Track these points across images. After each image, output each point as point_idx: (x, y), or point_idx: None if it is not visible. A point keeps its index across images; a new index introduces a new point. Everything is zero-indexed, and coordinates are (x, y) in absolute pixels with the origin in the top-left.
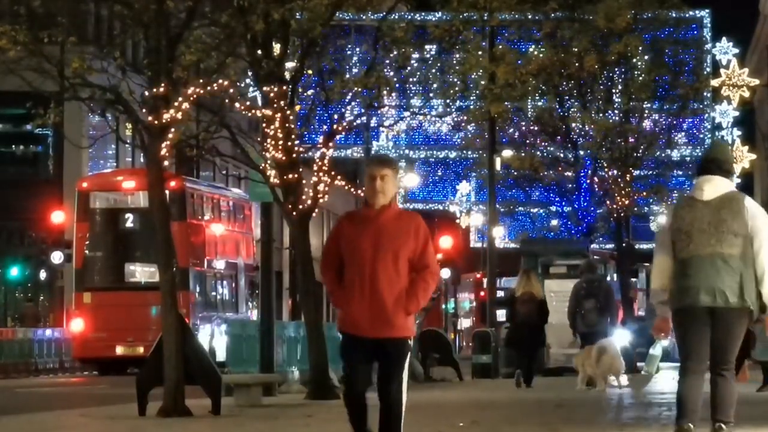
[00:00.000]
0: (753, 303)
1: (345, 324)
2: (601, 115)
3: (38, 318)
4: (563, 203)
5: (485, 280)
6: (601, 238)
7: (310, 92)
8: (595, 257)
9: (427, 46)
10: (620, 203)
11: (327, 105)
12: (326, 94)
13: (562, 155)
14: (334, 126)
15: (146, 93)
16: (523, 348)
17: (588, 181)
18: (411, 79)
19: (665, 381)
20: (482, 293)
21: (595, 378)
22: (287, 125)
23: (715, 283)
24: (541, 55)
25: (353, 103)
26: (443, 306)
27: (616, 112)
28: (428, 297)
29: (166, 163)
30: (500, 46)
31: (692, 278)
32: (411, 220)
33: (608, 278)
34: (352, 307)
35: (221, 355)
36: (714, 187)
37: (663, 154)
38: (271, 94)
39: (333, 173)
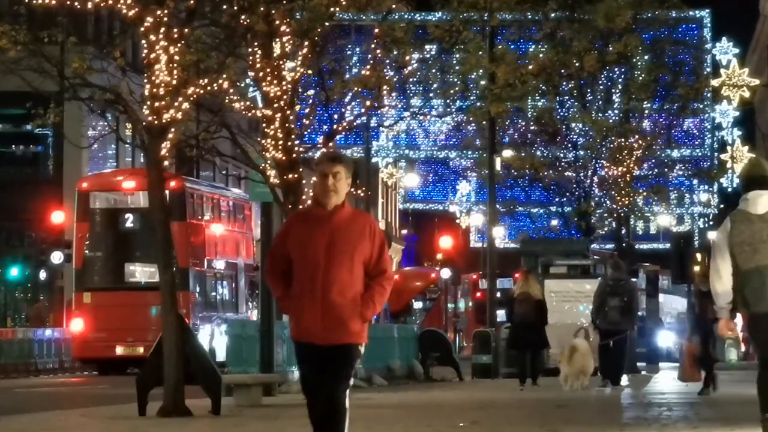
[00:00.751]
0: None
1: (297, 332)
2: (600, 115)
3: (47, 317)
4: (563, 203)
5: (481, 281)
6: (601, 238)
7: (310, 92)
8: (594, 257)
9: (427, 46)
10: (620, 203)
11: (327, 105)
12: (326, 94)
13: (562, 155)
14: (334, 126)
15: (146, 92)
16: (522, 348)
17: (588, 181)
18: (411, 79)
19: (665, 381)
20: (478, 294)
21: (568, 377)
22: (287, 125)
23: None
24: (541, 55)
25: (353, 103)
26: (450, 305)
27: (616, 112)
28: (384, 302)
29: (166, 163)
30: (500, 46)
31: (761, 286)
32: (365, 221)
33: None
34: (304, 314)
35: (221, 355)
36: (766, 201)
37: (663, 154)
38: (271, 94)
39: None
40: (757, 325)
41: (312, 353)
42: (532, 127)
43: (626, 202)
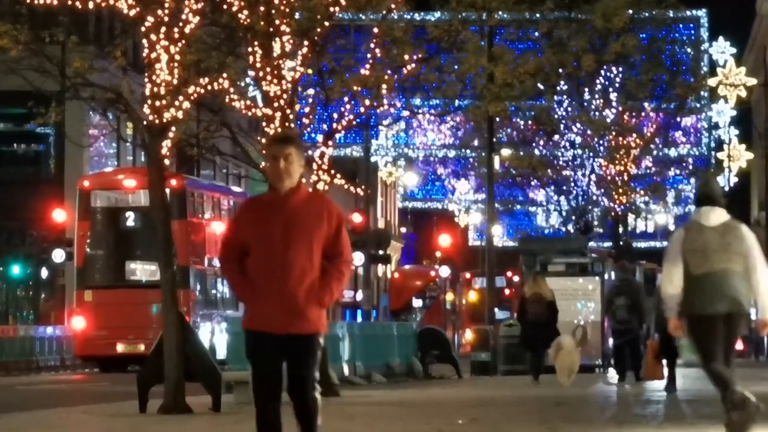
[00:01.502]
0: (748, 309)
1: (252, 320)
2: (598, 114)
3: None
4: (562, 202)
5: (474, 280)
6: (598, 237)
7: (310, 92)
8: (592, 255)
9: (426, 46)
10: (618, 202)
11: (327, 104)
12: (326, 93)
13: (560, 154)
14: (334, 125)
15: (147, 92)
16: (535, 347)
17: (586, 179)
18: (410, 79)
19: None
20: (471, 292)
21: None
22: (287, 124)
23: (729, 294)
24: (539, 55)
25: (353, 103)
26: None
27: (614, 111)
28: (343, 287)
29: (166, 161)
30: (498, 46)
31: (710, 290)
32: (322, 203)
33: (606, 276)
34: (261, 301)
35: (221, 353)
36: (717, 215)
37: (660, 153)
38: (271, 94)
39: (333, 172)
40: (702, 326)
41: (269, 343)
42: (530, 126)
43: (624, 201)
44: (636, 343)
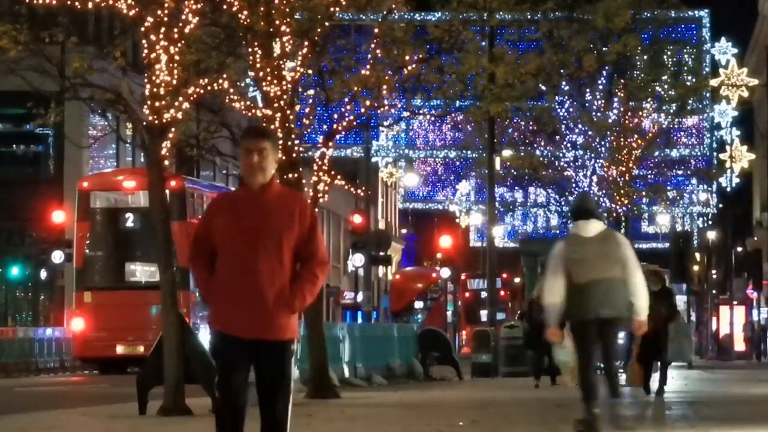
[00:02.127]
0: (629, 313)
1: (217, 320)
2: (600, 114)
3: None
4: (563, 203)
5: (470, 281)
6: None
7: (310, 92)
8: None
9: (426, 46)
10: (619, 203)
11: (327, 105)
12: (326, 94)
13: (561, 155)
14: (335, 126)
15: (146, 92)
16: (540, 349)
17: (587, 180)
18: (411, 79)
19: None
20: (467, 293)
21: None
22: (287, 125)
23: (610, 300)
24: (540, 55)
25: (353, 104)
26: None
27: (615, 112)
28: (317, 291)
29: (166, 162)
30: (499, 46)
31: (592, 297)
32: (295, 201)
33: None
34: (227, 303)
35: None
36: (593, 227)
37: (662, 154)
38: (271, 94)
39: (333, 173)
40: (584, 331)
41: (236, 347)
42: (531, 127)
43: (625, 202)
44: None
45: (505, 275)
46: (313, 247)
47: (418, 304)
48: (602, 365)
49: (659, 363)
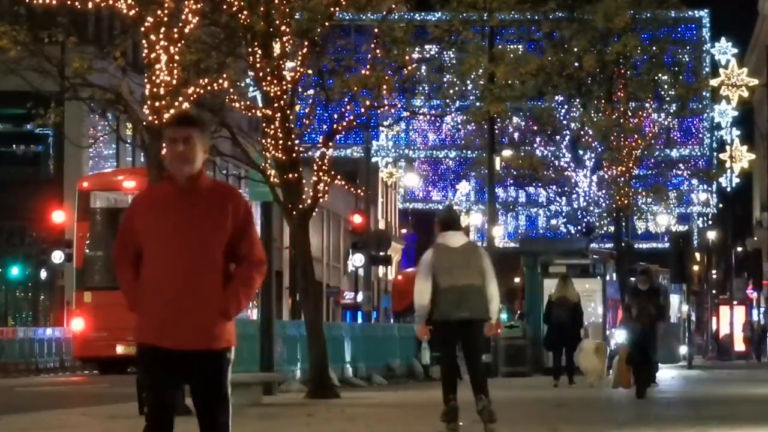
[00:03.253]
0: (487, 316)
1: (143, 332)
2: (600, 114)
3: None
4: (563, 203)
5: None
6: (600, 238)
7: (310, 92)
8: (594, 257)
9: (427, 46)
10: (619, 203)
11: (327, 105)
12: (326, 94)
13: (561, 155)
14: (334, 126)
15: (146, 92)
16: (559, 349)
17: (587, 180)
18: (411, 79)
19: (664, 381)
20: None
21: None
22: (287, 125)
23: (470, 303)
24: (540, 55)
25: (353, 103)
26: None
27: (615, 112)
28: (253, 294)
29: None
30: (500, 46)
31: (454, 300)
32: (227, 195)
33: (607, 278)
34: (152, 311)
35: None
36: (458, 239)
37: (662, 154)
38: (271, 94)
39: (333, 173)
40: (446, 330)
41: (162, 359)
42: (531, 127)
43: (625, 202)
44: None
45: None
46: (249, 245)
47: None
48: (466, 362)
49: (648, 364)
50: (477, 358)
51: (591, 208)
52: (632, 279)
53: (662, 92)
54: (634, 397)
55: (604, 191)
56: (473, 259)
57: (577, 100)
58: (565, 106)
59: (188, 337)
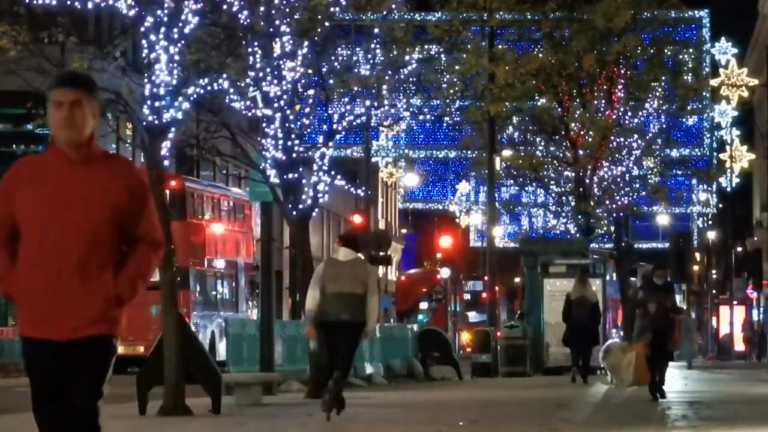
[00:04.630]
0: (365, 320)
1: (26, 324)
2: (600, 115)
3: None
4: (563, 203)
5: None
6: (600, 238)
7: (310, 92)
8: (594, 257)
9: (426, 46)
10: (620, 202)
11: (327, 105)
12: (326, 94)
13: (561, 155)
14: (335, 126)
15: (146, 92)
16: (577, 347)
17: (587, 180)
18: (411, 79)
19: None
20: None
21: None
22: (287, 125)
23: (350, 308)
24: (540, 55)
25: (353, 103)
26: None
27: (616, 112)
28: (149, 277)
29: (166, 162)
30: (500, 46)
31: (337, 304)
32: (121, 167)
33: (607, 278)
34: (34, 299)
35: (221, 355)
36: (346, 254)
37: (662, 154)
38: (271, 94)
39: (333, 173)
40: (329, 329)
41: (49, 353)
42: (531, 127)
43: (625, 202)
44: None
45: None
46: (146, 225)
47: (423, 305)
48: (340, 355)
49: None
50: (346, 353)
51: (591, 208)
52: (632, 279)
53: (662, 92)
54: (640, 396)
55: (604, 191)
56: (357, 272)
57: (577, 101)
58: (565, 105)
59: (72, 326)
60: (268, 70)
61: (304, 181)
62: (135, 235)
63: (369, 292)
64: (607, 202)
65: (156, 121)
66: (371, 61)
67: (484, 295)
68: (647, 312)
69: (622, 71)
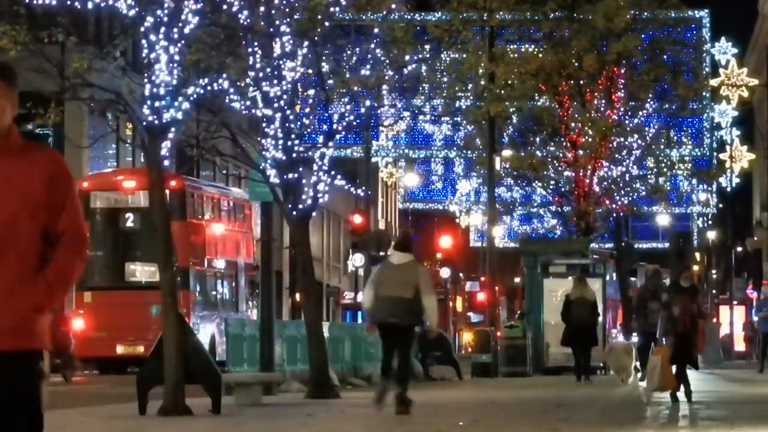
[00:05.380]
0: (412, 323)
1: None
2: (599, 115)
3: None
4: (563, 203)
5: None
6: (600, 238)
7: (310, 92)
8: (594, 257)
9: (427, 46)
10: (619, 202)
11: (327, 105)
12: (326, 94)
13: (561, 155)
14: (335, 126)
15: (146, 92)
16: (578, 346)
17: (587, 180)
18: (410, 79)
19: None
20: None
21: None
22: (287, 125)
23: (400, 311)
24: (540, 55)
25: (353, 103)
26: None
27: (616, 112)
28: (75, 279)
29: (166, 162)
30: (500, 46)
31: (386, 308)
32: (41, 159)
33: (607, 278)
34: None
35: (221, 355)
36: (400, 257)
37: (662, 154)
38: (271, 94)
39: (333, 173)
40: (383, 330)
41: None
42: (531, 127)
43: (625, 202)
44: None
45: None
46: (67, 219)
47: None
48: (397, 362)
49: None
50: (404, 352)
51: (591, 208)
52: (632, 279)
53: (662, 92)
54: (640, 396)
55: (604, 191)
56: (408, 275)
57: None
58: (565, 105)
59: None
60: (268, 70)
61: (304, 181)
62: (58, 230)
63: (423, 292)
64: (607, 202)
65: (156, 121)
66: (371, 61)
67: (483, 295)
68: (672, 315)
69: (622, 71)
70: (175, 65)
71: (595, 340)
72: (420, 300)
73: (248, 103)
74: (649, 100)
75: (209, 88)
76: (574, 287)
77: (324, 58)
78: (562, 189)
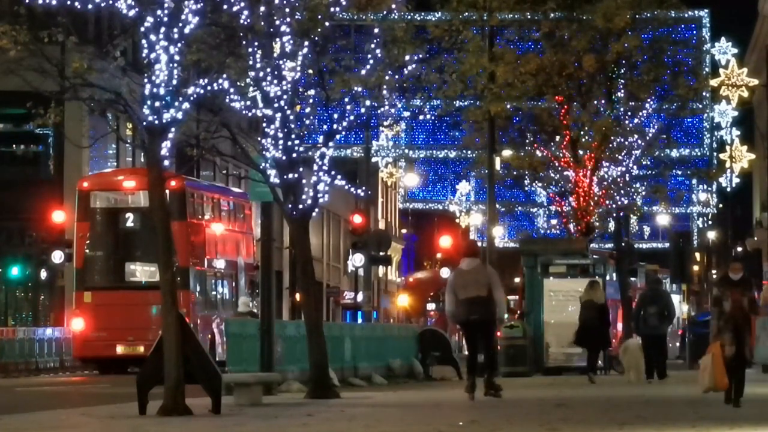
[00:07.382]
0: (491, 317)
1: None
2: (599, 114)
3: None
4: (563, 203)
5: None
6: (600, 238)
7: (310, 92)
8: (594, 257)
9: (427, 46)
10: (619, 203)
11: (327, 105)
12: (326, 94)
13: (561, 155)
14: (335, 126)
15: (146, 92)
16: (588, 348)
17: (587, 180)
18: (410, 79)
19: (665, 381)
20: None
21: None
22: (287, 125)
23: (480, 309)
24: (540, 55)
25: (353, 103)
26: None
27: (615, 112)
28: None
29: (166, 162)
30: (499, 46)
31: (467, 308)
32: None
33: (607, 278)
34: None
35: (221, 355)
36: (470, 263)
37: (662, 154)
38: (271, 94)
39: (333, 173)
40: (465, 328)
41: None
42: (531, 127)
43: (625, 202)
44: (663, 346)
45: None
46: None
47: (431, 306)
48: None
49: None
50: (489, 345)
51: (591, 208)
52: (632, 279)
53: (662, 91)
54: (641, 396)
55: (603, 191)
56: (480, 277)
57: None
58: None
59: None
60: (268, 70)
61: (304, 181)
62: None
63: (494, 289)
64: (607, 202)
65: (156, 121)
66: (371, 61)
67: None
68: (723, 311)
69: (622, 71)
70: (175, 65)
71: (603, 341)
72: (492, 297)
73: (248, 103)
74: (649, 100)
75: (209, 88)
76: (585, 291)
77: (324, 58)
78: (562, 189)
